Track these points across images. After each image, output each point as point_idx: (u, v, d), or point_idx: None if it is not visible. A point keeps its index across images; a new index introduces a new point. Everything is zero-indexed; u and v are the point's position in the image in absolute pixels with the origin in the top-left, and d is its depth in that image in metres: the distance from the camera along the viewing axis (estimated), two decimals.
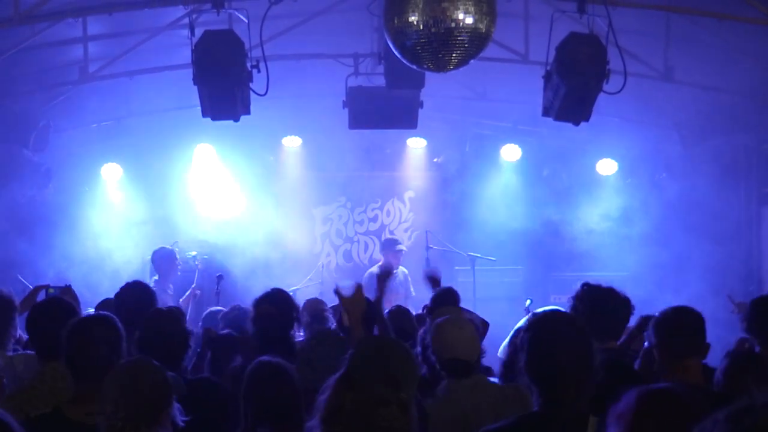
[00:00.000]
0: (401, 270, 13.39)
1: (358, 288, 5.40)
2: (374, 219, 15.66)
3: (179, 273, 11.76)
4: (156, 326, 5.45)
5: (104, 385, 4.02)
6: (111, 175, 14.31)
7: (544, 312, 3.98)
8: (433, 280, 8.04)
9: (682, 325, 4.97)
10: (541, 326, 3.80)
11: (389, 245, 13.41)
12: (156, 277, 11.38)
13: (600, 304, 5.54)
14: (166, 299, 10.68)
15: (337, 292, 5.48)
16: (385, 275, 7.59)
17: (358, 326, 5.33)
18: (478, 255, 13.35)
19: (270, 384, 4.58)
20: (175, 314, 5.77)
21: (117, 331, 4.70)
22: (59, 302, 5.33)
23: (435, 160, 15.22)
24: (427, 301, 7.75)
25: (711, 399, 4.34)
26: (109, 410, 3.90)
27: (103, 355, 4.41)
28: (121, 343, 4.72)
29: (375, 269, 13.12)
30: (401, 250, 13.38)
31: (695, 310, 5.08)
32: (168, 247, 11.88)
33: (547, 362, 3.67)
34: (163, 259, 11.54)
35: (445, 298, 7.43)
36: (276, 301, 6.25)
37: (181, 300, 11.37)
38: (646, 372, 5.06)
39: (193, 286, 11.59)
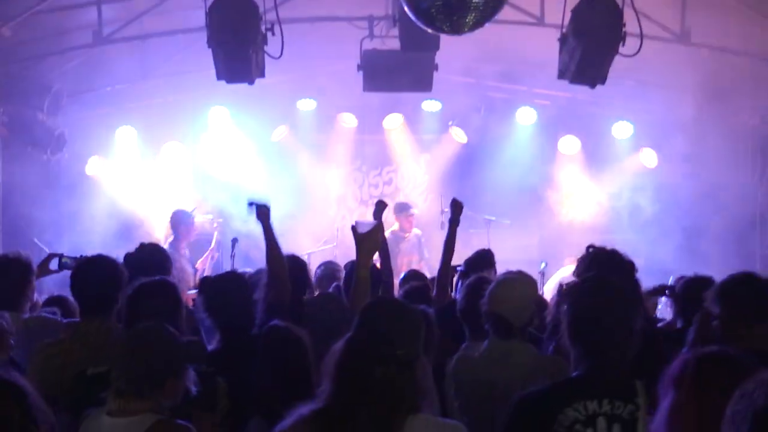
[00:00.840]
0: (414, 232, 13.41)
1: (376, 227, 5.37)
2: (389, 182, 15.65)
3: (195, 238, 11.93)
4: (221, 291, 5.48)
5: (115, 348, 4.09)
6: (125, 139, 14.32)
7: (586, 277, 3.97)
8: (456, 206, 7.91)
9: (750, 292, 4.88)
10: (584, 291, 3.83)
11: (402, 209, 13.44)
12: (171, 239, 11.57)
13: (603, 266, 5.53)
14: (181, 261, 11.00)
15: (353, 228, 5.44)
16: (380, 208, 7.59)
17: (366, 265, 5.27)
18: (493, 218, 13.36)
19: (281, 348, 4.60)
20: (241, 279, 5.78)
21: (176, 295, 5.00)
22: (103, 260, 5.35)
23: (450, 123, 15.15)
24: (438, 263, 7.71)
25: None
26: (115, 373, 3.93)
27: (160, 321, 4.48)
28: (179, 308, 4.96)
29: (388, 234, 13.16)
30: (413, 214, 13.42)
31: (760, 276, 5.02)
32: (187, 210, 12.06)
33: (592, 326, 3.70)
34: (180, 221, 11.76)
35: (479, 262, 7.33)
36: (289, 265, 6.29)
37: (198, 262, 11.52)
38: (703, 341, 4.99)
39: (211, 247, 11.71)
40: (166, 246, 11.25)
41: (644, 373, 3.61)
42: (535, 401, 3.77)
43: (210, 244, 12.21)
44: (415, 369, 3.37)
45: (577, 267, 5.65)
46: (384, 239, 7.72)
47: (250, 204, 6.14)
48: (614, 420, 3.58)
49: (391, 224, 13.40)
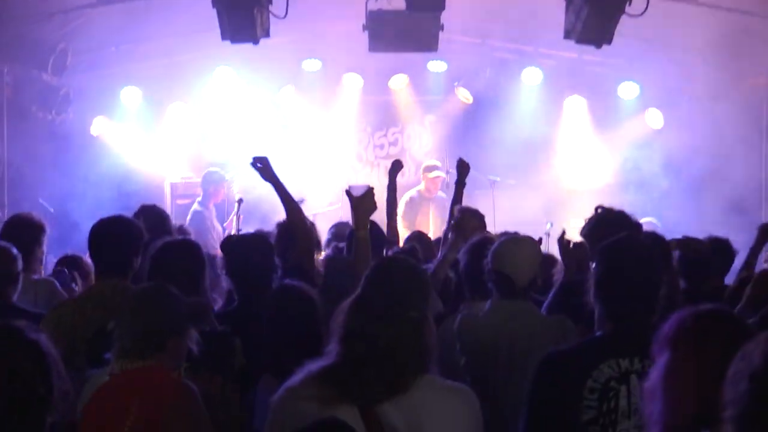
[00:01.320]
0: (439, 194, 13.33)
1: (369, 190, 5.43)
2: (395, 143, 15.60)
3: (223, 198, 12.51)
4: (243, 251, 5.49)
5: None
6: (130, 99, 14.30)
7: (616, 238, 3.99)
8: (463, 167, 7.86)
9: None
10: (615, 250, 3.86)
11: (428, 170, 13.43)
12: (200, 198, 12.26)
13: (607, 226, 5.54)
14: (210, 217, 11.90)
15: (348, 192, 5.51)
16: (396, 167, 7.59)
17: (364, 226, 5.36)
18: (498, 179, 13.34)
19: (293, 307, 4.62)
20: (264, 241, 5.79)
21: (200, 255, 5.02)
22: (122, 221, 5.26)
23: (455, 83, 15.08)
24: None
25: None
26: (118, 333, 3.96)
27: (182, 282, 4.50)
28: (203, 269, 4.97)
29: (414, 192, 13.17)
30: (439, 176, 13.33)
31: None
32: (220, 171, 12.63)
33: (621, 285, 3.73)
34: (211, 181, 12.35)
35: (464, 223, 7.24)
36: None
37: (225, 224, 12.09)
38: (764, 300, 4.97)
39: (235, 210, 11.85)
40: (195, 205, 12.09)
41: None
42: (567, 358, 3.81)
43: (233, 208, 12.32)
44: (423, 329, 3.37)
45: (584, 227, 5.68)
46: (394, 200, 7.74)
47: (253, 164, 6.19)
48: (645, 378, 3.61)
49: (416, 184, 13.61)
